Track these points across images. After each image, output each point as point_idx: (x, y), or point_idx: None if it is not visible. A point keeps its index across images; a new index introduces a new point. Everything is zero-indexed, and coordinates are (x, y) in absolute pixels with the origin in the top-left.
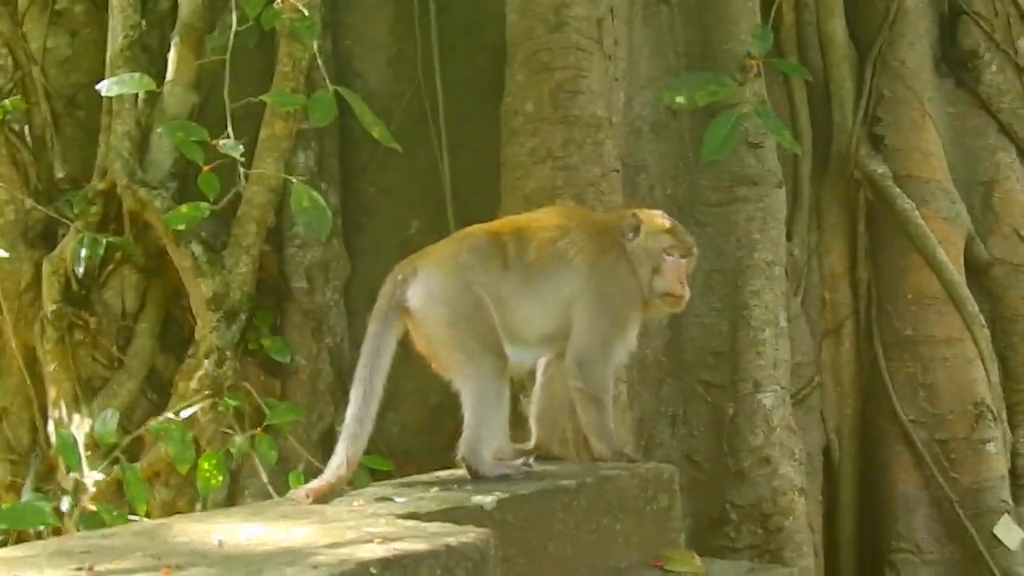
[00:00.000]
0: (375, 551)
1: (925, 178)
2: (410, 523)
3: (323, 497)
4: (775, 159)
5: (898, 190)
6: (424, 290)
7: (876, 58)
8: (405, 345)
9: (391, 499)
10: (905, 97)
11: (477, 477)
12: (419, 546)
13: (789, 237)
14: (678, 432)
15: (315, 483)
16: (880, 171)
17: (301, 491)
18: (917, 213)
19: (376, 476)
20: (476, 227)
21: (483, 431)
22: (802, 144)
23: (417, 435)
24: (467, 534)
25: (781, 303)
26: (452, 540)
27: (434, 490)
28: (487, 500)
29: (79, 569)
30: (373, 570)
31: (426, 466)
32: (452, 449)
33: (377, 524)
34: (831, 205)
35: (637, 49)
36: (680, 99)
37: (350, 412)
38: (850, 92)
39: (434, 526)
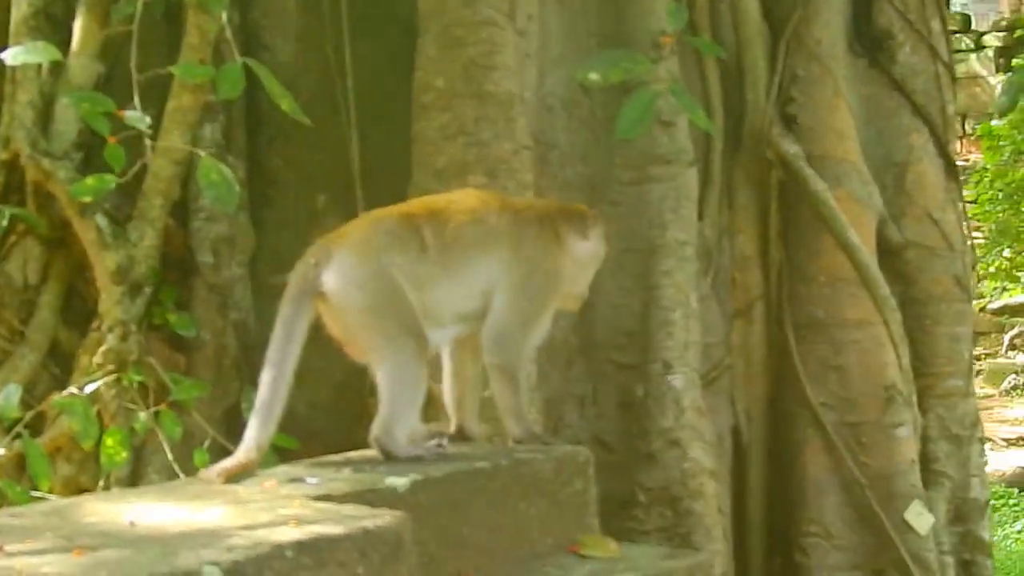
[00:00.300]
0: (290, 534)
1: (838, 159)
2: (324, 505)
3: (234, 477)
4: (687, 138)
5: (810, 171)
6: (340, 275)
7: (790, 37)
8: (313, 324)
9: (303, 480)
10: (819, 76)
11: (390, 458)
12: (335, 529)
13: (700, 217)
14: (586, 413)
15: (226, 463)
16: (793, 151)
17: (212, 471)
18: (829, 194)
19: (281, 454)
20: (389, 208)
21: (398, 412)
22: (714, 123)
23: (322, 413)
24: (383, 517)
25: (692, 284)
26: (368, 523)
27: (346, 471)
28: (400, 482)
29: None
30: (288, 553)
31: (332, 444)
32: (357, 427)
33: (291, 506)
34: (743, 185)
35: (549, 25)
36: (594, 76)
37: (260, 396)
38: (763, 71)
39: (348, 508)
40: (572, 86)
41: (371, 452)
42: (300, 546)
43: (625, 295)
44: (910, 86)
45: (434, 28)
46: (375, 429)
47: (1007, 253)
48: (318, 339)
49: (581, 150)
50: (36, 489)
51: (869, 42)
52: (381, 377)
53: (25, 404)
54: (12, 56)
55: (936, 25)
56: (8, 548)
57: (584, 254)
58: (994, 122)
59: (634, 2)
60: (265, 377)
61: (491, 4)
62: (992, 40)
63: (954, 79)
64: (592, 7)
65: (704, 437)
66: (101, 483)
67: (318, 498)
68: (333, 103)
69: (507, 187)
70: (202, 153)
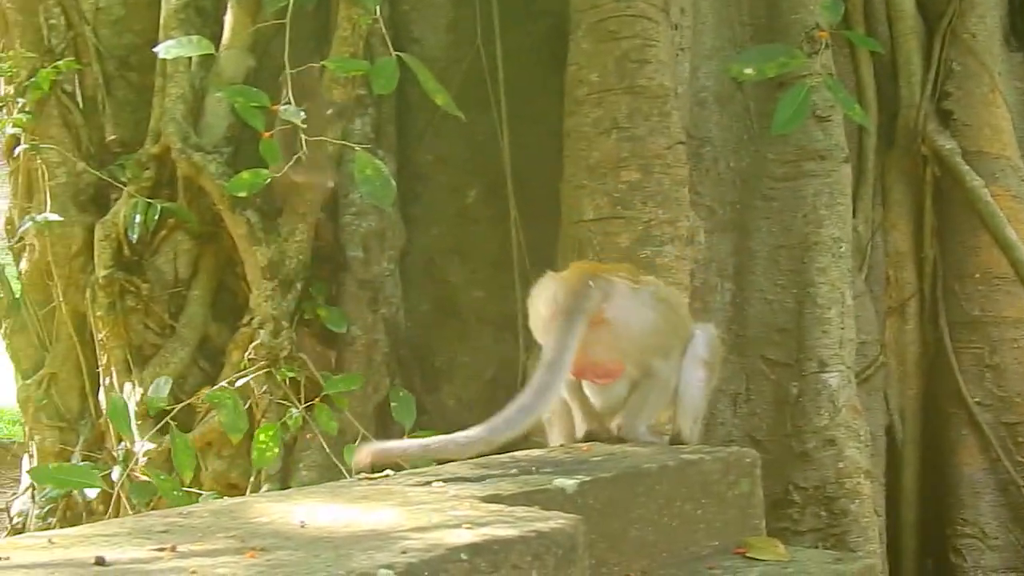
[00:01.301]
0: (464, 536)
1: (994, 154)
2: (495, 507)
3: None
4: (842, 133)
5: (967, 167)
6: (629, 305)
7: (945, 31)
8: (463, 319)
9: (469, 480)
10: (975, 71)
11: (632, 441)
12: (508, 532)
13: (853, 213)
14: (739, 410)
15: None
16: (948, 147)
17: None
18: (986, 190)
19: None
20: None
21: (649, 412)
22: (868, 118)
23: (472, 409)
24: (557, 520)
25: (847, 281)
26: (542, 526)
27: (513, 471)
28: (569, 483)
29: (161, 549)
30: (463, 556)
31: None
32: None
33: (461, 507)
34: (896, 181)
35: (702, 18)
36: (749, 71)
37: (508, 412)
38: (918, 65)
39: (520, 510)
40: (724, 80)
41: (535, 451)
42: (475, 549)
43: (779, 292)
44: None
45: (587, 22)
46: (623, 421)
47: None
48: (468, 336)
49: (734, 145)
50: (182, 481)
51: None
52: (649, 383)
53: (175, 399)
54: (165, 50)
55: None
56: (180, 548)
57: None
58: None
59: None
60: (523, 397)
61: None
62: None
63: None
64: (745, 0)
65: (859, 436)
66: (252, 479)
67: (487, 499)
68: (482, 97)
69: (662, 182)
70: (356, 148)
